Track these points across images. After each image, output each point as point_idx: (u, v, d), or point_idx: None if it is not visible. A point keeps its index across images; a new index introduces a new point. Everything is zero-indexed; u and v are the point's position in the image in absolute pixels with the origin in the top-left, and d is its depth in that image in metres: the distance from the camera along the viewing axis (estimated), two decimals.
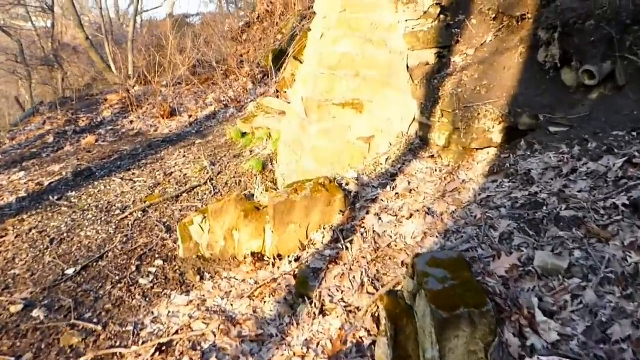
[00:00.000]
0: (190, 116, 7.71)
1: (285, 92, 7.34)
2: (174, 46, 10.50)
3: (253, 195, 3.89)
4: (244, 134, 6.17)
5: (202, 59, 12.65)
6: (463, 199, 3.10)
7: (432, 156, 4.12)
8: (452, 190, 3.43)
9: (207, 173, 5.31)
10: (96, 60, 15.34)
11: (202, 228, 3.71)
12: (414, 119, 4.42)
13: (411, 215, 3.17)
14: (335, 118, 4.47)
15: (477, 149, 3.84)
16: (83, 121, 8.52)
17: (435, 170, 3.92)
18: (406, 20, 4.39)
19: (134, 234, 4.13)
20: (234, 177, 5.19)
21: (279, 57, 8.54)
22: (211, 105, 8.33)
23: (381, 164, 4.24)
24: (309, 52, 4.90)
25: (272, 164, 5.42)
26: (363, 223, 3.36)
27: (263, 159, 5.44)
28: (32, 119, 9.43)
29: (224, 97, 8.48)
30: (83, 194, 5.05)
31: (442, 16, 4.51)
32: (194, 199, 4.80)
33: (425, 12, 4.41)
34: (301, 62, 7.63)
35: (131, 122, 8.17)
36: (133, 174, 5.54)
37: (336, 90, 4.42)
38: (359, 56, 4.39)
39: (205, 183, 5.10)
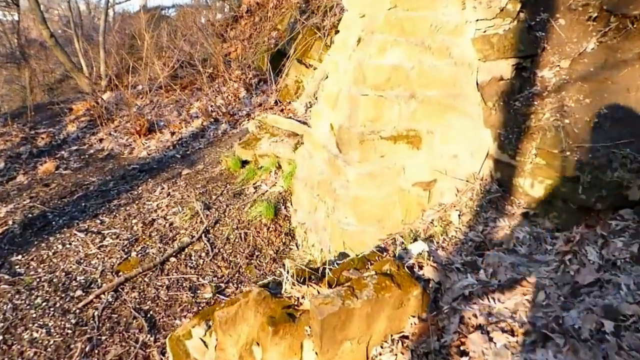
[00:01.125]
0: (172, 133, 6.35)
1: (289, 102, 6.05)
2: (151, 46, 9.06)
3: (279, 285, 2.64)
4: (244, 163, 4.88)
5: (182, 59, 11.29)
6: (614, 304, 1.92)
7: (526, 214, 2.94)
8: (589, 284, 2.25)
9: (201, 222, 4.02)
10: (62, 60, 13.74)
11: (205, 344, 2.44)
12: (487, 154, 3.23)
13: (536, 333, 1.97)
14: (384, 157, 3.24)
15: (603, 210, 2.66)
16: (43, 138, 7.08)
17: (542, 240, 2.73)
18: (477, 20, 3.17)
19: (101, 336, 2.83)
20: (237, 229, 3.91)
21: (277, 58, 7.22)
22: (197, 117, 6.98)
23: (452, 222, 3.05)
24: (336, 62, 3.62)
25: (285, 207, 4.15)
26: (462, 345, 2.14)
27: (273, 201, 4.17)
28: None
29: (212, 106, 7.14)
30: (32, 259, 3.70)
31: (521, 14, 3.30)
32: (186, 265, 3.51)
33: (501, 9, 3.19)
34: (307, 66, 6.34)
35: (100, 140, 6.77)
36: (101, 222, 4.21)
37: (385, 118, 3.18)
38: (414, 70, 3.15)
39: (200, 238, 3.81)
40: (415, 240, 2.86)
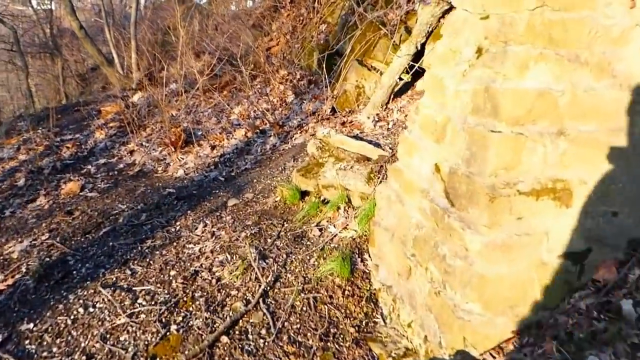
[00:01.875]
0: (213, 147, 5.48)
1: (350, 112, 5.09)
2: (186, 42, 8.22)
3: None
4: (303, 194, 3.97)
5: (219, 54, 10.50)
6: None
7: None
8: None
9: (256, 279, 3.14)
10: (92, 53, 13.11)
11: None
12: None
13: None
14: (522, 219, 2.25)
15: None
16: (68, 148, 6.33)
17: None
18: None
19: None
20: (304, 291, 3.01)
21: (328, 57, 6.26)
22: (239, 126, 6.10)
23: (624, 315, 2.07)
24: (439, 78, 2.62)
25: (362, 260, 3.23)
26: None
27: (347, 251, 3.25)
28: (6, 141, 7.26)
29: (256, 111, 6.25)
30: (47, 329, 2.90)
31: None
32: (242, 350, 2.64)
33: None
34: (369, 69, 5.36)
35: (131, 152, 5.98)
36: (132, 272, 3.37)
37: (524, 164, 2.18)
38: (565, 96, 2.14)
39: (257, 305, 2.93)
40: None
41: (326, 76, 5.69)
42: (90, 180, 5.28)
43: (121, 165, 5.68)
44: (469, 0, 2.41)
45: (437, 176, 2.55)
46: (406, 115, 4.54)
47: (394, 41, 5.18)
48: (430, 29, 4.89)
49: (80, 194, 4.96)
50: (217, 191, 4.42)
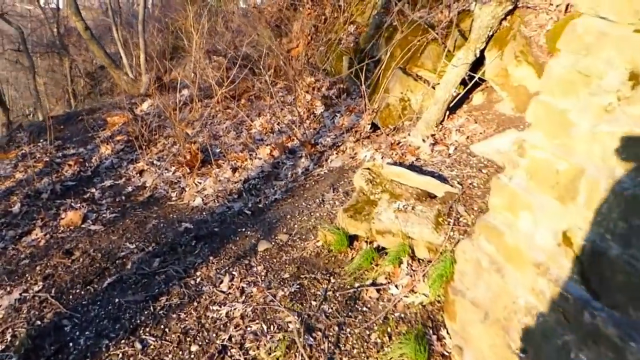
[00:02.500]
0: (234, 169, 4.76)
1: (394, 129, 4.34)
2: (199, 45, 7.52)
3: None
4: (351, 238, 3.23)
5: (229, 52, 9.80)
6: None
7: None
8: None
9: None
10: (98, 56, 12.45)
11: None
12: None
13: None
14: None
15: None
16: (70, 166, 5.64)
17: None
18: None
19: None
20: None
21: (360, 62, 5.51)
22: (262, 142, 5.37)
23: None
24: (559, 111, 1.83)
25: (438, 337, 2.49)
26: None
27: (418, 326, 2.52)
28: (3, 155, 6.59)
29: (280, 124, 5.52)
30: None
31: None
32: None
33: None
34: (415, 79, 4.60)
35: (140, 172, 5.27)
36: (143, 346, 2.66)
37: None
38: None
39: None
40: None
41: (363, 86, 4.94)
42: (93, 207, 4.58)
43: (129, 189, 4.98)
44: (608, 4, 1.65)
45: (566, 251, 1.80)
46: (468, 137, 3.79)
47: (447, 47, 4.42)
48: (491, 33, 4.13)
49: (82, 225, 4.26)
50: (243, 229, 3.69)
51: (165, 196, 4.65)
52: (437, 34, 4.49)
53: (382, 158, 3.91)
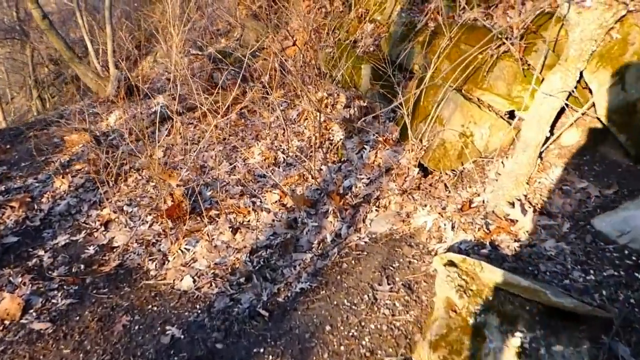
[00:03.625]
0: (235, 229, 3.49)
1: (451, 176, 3.18)
2: (176, 38, 6.19)
3: None
4: None
5: (209, 47, 8.70)
6: None
7: None
8: None
9: None
10: (59, 48, 10.82)
11: None
12: None
13: None
14: None
15: None
16: (13, 209, 4.29)
17: None
18: None
19: None
20: None
21: (379, 72, 4.31)
22: (265, 180, 4.12)
23: None
24: None
25: None
26: None
27: None
28: None
29: (286, 152, 4.29)
30: None
31: None
32: None
33: None
34: (479, 106, 3.43)
35: (106, 224, 3.97)
36: None
37: None
38: None
39: None
40: None
41: (404, 111, 3.74)
42: (40, 285, 3.29)
43: (91, 250, 3.68)
44: None
45: None
46: (580, 202, 2.64)
47: (528, 64, 3.25)
48: (595, 48, 2.97)
49: (22, 321, 2.98)
50: (261, 349, 2.47)
51: (140, 267, 3.38)
52: (511, 44, 3.30)
53: (452, 228, 2.74)
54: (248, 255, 3.18)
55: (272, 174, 4.29)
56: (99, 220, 4.02)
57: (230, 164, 4.50)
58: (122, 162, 4.64)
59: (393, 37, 5.01)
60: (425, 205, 3.05)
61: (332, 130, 4.55)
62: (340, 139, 4.38)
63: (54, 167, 5.07)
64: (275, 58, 6.70)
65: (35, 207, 4.39)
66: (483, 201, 2.87)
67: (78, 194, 4.50)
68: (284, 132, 4.91)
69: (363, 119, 4.35)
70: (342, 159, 4.15)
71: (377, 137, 4.10)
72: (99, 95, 11.17)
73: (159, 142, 5.07)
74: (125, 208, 4.10)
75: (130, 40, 20.20)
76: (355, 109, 4.62)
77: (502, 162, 3.03)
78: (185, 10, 18.14)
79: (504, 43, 3.35)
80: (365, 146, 4.10)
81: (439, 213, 2.92)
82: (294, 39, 6.99)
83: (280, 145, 4.72)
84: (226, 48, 9.70)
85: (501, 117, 3.34)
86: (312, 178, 3.88)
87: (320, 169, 4.17)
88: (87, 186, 4.57)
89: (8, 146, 5.70)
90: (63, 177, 4.70)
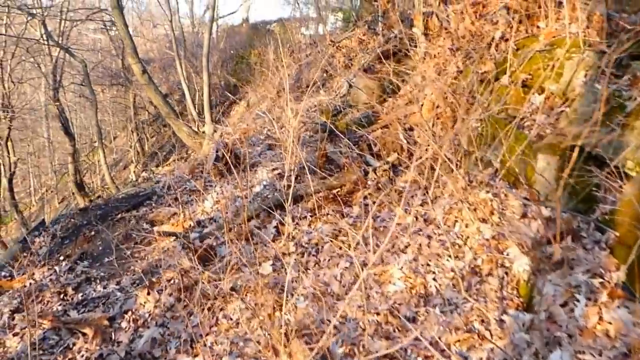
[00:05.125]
0: None
1: None
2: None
3: None
4: None
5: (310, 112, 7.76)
6: None
7: None
8: None
9: None
10: (156, 103, 10.53)
11: None
12: None
13: None
14: None
15: None
16: (85, 338, 3.36)
17: None
18: None
19: None
20: None
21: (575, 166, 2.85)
22: (419, 346, 2.81)
23: None
24: None
25: None
26: None
27: None
28: (7, 283, 4.49)
29: (440, 283, 2.97)
30: None
31: None
32: None
33: None
34: None
35: None
36: None
37: None
38: None
39: None
40: None
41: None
42: None
43: None
44: None
45: None
46: None
47: None
48: None
49: None
50: None
51: None
52: None
53: None
54: None
55: (426, 318, 2.98)
56: None
57: (362, 292, 3.25)
58: (218, 278, 3.58)
59: (580, 117, 3.59)
60: None
61: (507, 253, 3.17)
62: (525, 271, 2.98)
63: (139, 269, 4.15)
64: (399, 126, 5.52)
65: (113, 336, 3.42)
66: None
67: (165, 321, 3.48)
68: (429, 243, 3.61)
69: (558, 241, 2.94)
70: (528, 304, 2.75)
71: (592, 279, 2.66)
72: (195, 152, 10.67)
73: (266, 246, 3.99)
74: (226, 349, 2.98)
75: (224, 86, 20.16)
76: (540, 221, 3.21)
77: None
78: (278, 55, 17.59)
79: None
80: (575, 294, 2.67)
81: None
82: (420, 104, 5.77)
83: (429, 264, 3.42)
84: (330, 103, 8.72)
85: None
86: (490, 338, 2.51)
87: (501, 320, 2.79)
88: (177, 310, 3.54)
89: (93, 232, 4.94)
90: (148, 293, 3.73)
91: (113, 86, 25.42)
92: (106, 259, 4.46)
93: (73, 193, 20.93)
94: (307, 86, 12.42)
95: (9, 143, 17.58)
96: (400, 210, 4.13)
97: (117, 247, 4.61)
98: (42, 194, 28.18)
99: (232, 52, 24.12)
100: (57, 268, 4.35)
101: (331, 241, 3.79)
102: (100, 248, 4.64)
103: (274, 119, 9.25)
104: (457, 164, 4.28)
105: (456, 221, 3.82)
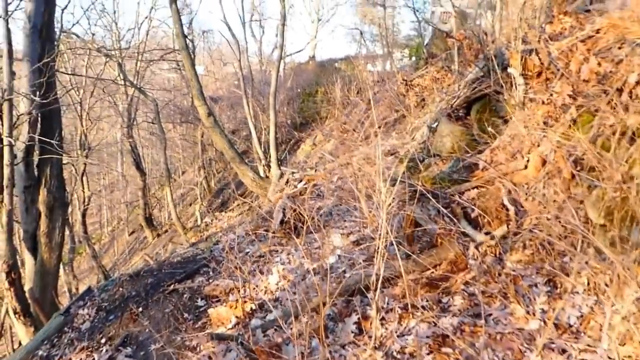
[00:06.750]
0: None
1: None
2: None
3: None
4: None
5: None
6: None
7: None
8: None
9: None
10: (221, 147, 10.13)
11: None
12: None
13: None
14: None
15: None
16: None
17: None
18: None
19: None
20: None
21: None
22: None
23: None
24: None
25: None
26: None
27: None
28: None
29: None
30: None
31: None
32: None
33: None
34: None
35: None
36: None
37: None
38: None
39: None
40: None
41: None
42: None
43: None
44: None
45: None
46: None
47: None
48: None
49: None
50: None
51: None
52: None
53: None
54: None
55: None
56: None
57: None
58: None
59: None
60: None
61: None
62: None
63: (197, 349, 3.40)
64: (503, 188, 4.55)
65: None
66: None
67: None
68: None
69: None
70: None
71: None
72: (260, 198, 10.09)
73: (344, 349, 3.11)
74: None
75: (290, 124, 19.71)
76: None
77: None
78: (345, 93, 16.96)
79: None
80: None
81: None
82: (526, 159, 4.76)
83: None
84: (407, 150, 7.83)
85: None
86: None
87: None
88: None
89: (141, 309, 4.29)
90: None
91: (183, 123, 26.11)
92: (151, 346, 3.76)
93: (141, 226, 21.24)
94: (379, 126, 11.60)
95: (84, 178, 18.10)
96: (521, 309, 3.13)
97: (166, 325, 3.92)
98: (113, 226, 29.05)
99: (298, 90, 23.95)
100: (95, 356, 3.70)
101: (432, 353, 2.85)
102: (147, 330, 3.96)
103: (342, 165, 8.43)
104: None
105: (589, 322, 2.78)
